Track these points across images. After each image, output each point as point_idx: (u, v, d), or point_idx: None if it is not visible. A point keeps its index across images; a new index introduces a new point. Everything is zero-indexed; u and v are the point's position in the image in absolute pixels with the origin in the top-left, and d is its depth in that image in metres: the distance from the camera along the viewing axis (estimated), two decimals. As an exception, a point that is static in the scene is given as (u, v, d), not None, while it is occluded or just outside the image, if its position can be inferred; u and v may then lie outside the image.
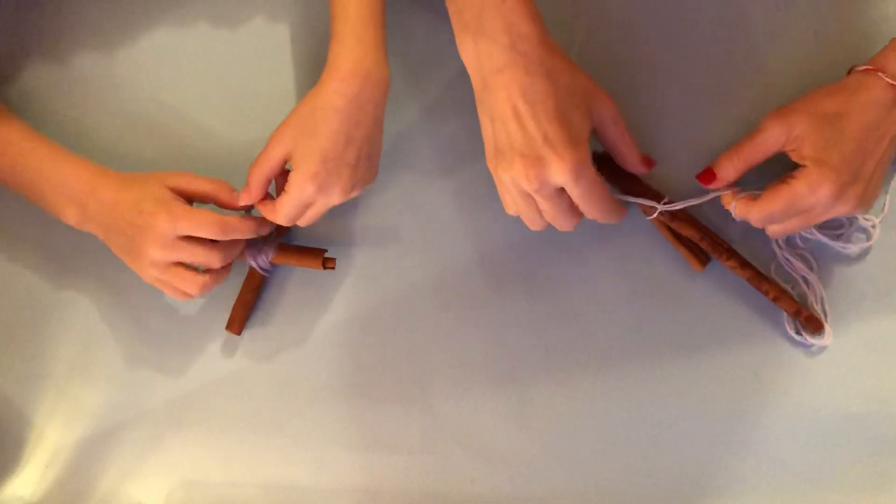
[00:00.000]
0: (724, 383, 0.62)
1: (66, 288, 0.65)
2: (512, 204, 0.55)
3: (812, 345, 0.61)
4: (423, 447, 0.63)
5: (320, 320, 0.65)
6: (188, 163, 0.65)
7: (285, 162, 0.58)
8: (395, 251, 0.65)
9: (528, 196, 0.53)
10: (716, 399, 0.62)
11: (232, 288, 0.64)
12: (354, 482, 0.63)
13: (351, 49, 0.55)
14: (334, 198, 0.57)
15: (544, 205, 0.53)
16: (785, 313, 0.61)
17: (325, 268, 0.63)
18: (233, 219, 0.58)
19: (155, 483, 0.65)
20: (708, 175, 0.58)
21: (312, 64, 0.65)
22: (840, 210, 0.54)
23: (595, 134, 0.55)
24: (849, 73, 0.57)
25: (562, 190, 0.53)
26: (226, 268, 0.61)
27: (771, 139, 0.55)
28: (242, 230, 0.59)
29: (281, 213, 0.58)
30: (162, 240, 0.57)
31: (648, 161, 0.58)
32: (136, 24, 0.66)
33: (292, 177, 0.57)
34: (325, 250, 0.63)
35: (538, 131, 0.50)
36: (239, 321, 0.64)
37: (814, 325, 0.60)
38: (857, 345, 0.61)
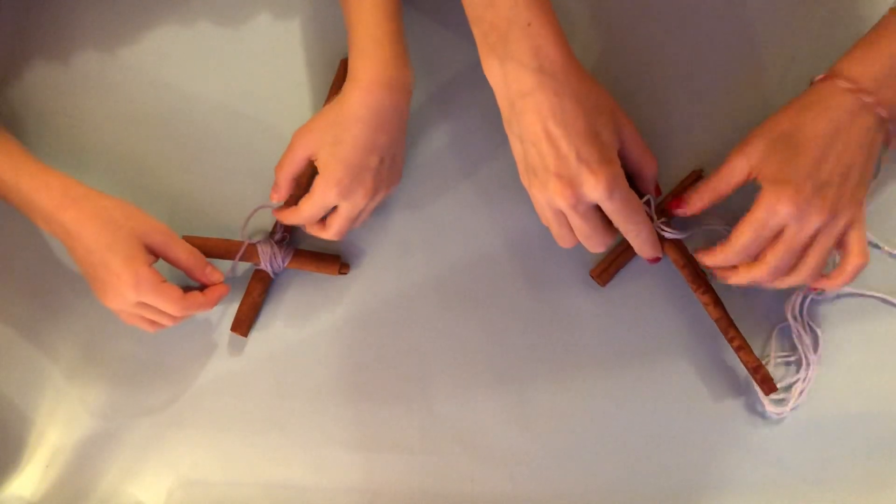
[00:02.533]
0: (723, 383, 0.62)
1: (66, 288, 0.65)
2: (545, 221, 0.57)
3: (767, 413, 0.61)
4: (423, 447, 0.63)
5: (320, 320, 0.65)
6: (188, 162, 0.65)
7: (309, 162, 0.59)
8: (395, 251, 0.65)
9: (560, 214, 0.54)
10: (716, 399, 0.62)
11: (233, 289, 0.64)
12: (354, 482, 0.63)
13: (371, 58, 0.56)
14: (358, 201, 0.58)
15: (578, 222, 0.54)
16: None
17: (339, 273, 0.64)
18: (195, 296, 0.60)
19: (155, 483, 0.65)
20: (678, 203, 0.58)
21: (315, 62, 0.65)
22: (815, 221, 0.52)
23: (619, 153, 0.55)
24: (810, 84, 0.56)
25: (596, 208, 0.54)
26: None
27: (735, 171, 0.55)
28: (202, 306, 0.60)
29: (304, 213, 0.59)
30: (122, 299, 0.58)
31: (659, 189, 0.60)
32: (137, 23, 0.66)
33: (317, 181, 0.58)
34: (339, 257, 0.64)
35: (571, 151, 0.51)
36: (246, 323, 0.64)
37: (767, 387, 0.59)
38: (857, 345, 0.61)
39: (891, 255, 0.62)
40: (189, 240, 0.61)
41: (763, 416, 0.61)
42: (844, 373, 0.61)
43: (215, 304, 0.61)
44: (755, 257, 0.54)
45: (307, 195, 0.58)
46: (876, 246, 0.62)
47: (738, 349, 0.60)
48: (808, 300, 0.61)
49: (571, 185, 0.52)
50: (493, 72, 0.53)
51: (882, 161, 0.62)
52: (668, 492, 0.62)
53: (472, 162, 0.64)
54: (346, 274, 0.64)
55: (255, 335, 0.65)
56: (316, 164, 0.58)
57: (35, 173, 0.58)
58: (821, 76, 0.54)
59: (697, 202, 0.57)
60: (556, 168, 0.52)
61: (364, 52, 0.56)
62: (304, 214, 0.59)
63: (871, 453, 0.60)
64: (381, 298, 0.64)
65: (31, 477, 0.65)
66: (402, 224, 0.65)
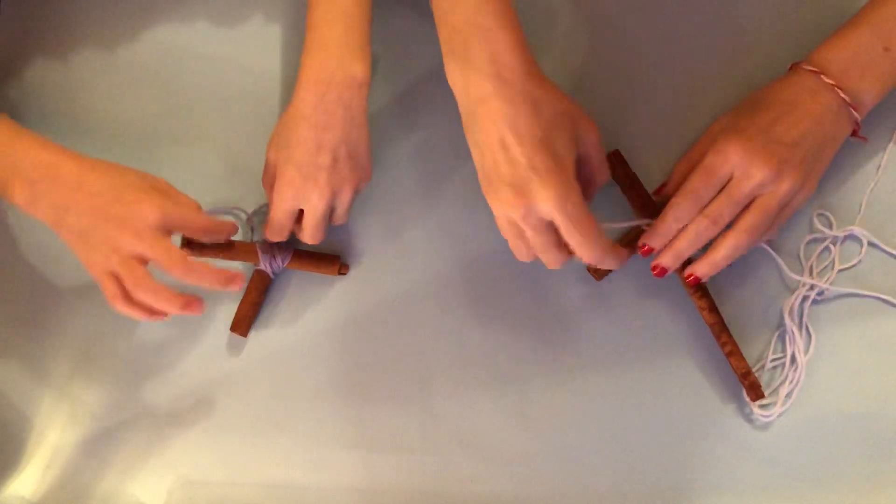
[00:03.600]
0: (724, 383, 0.62)
1: (66, 288, 0.65)
2: (503, 233, 0.55)
3: (754, 415, 0.61)
4: (423, 447, 0.63)
5: (320, 320, 0.65)
6: (189, 162, 0.65)
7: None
8: (395, 251, 0.65)
9: (515, 225, 0.53)
10: (715, 399, 0.62)
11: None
12: (354, 482, 0.63)
13: (312, 55, 0.57)
14: (315, 201, 0.58)
15: (531, 235, 0.53)
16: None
17: (339, 273, 0.64)
18: (222, 222, 0.58)
19: (155, 482, 0.65)
20: (659, 191, 0.61)
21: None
22: (759, 174, 0.53)
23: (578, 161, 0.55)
24: (790, 69, 0.60)
25: (550, 224, 0.52)
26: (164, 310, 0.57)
27: (706, 141, 0.59)
28: (223, 233, 0.59)
29: (271, 223, 0.60)
30: (138, 229, 0.54)
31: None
32: (137, 22, 0.66)
33: (274, 187, 0.59)
34: (339, 257, 0.64)
35: (523, 159, 0.50)
36: (246, 323, 0.64)
37: (755, 394, 0.60)
38: (857, 345, 0.61)
39: (890, 255, 0.62)
40: (189, 239, 0.61)
41: (758, 419, 0.61)
42: (843, 373, 0.61)
43: (221, 283, 0.56)
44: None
45: (271, 205, 0.59)
46: (875, 245, 0.62)
47: (728, 354, 0.60)
48: (808, 301, 0.61)
49: (523, 193, 0.50)
50: (454, 78, 0.52)
51: (883, 163, 0.62)
52: (667, 492, 0.62)
53: (471, 162, 0.64)
54: (345, 274, 0.64)
55: (255, 335, 0.65)
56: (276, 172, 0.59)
57: (22, 135, 0.56)
58: (795, 63, 0.58)
59: (676, 178, 0.59)
60: (508, 176, 0.51)
61: (309, 50, 0.57)
62: (272, 223, 0.60)
63: (870, 453, 0.60)
64: (381, 298, 0.64)
65: (31, 477, 0.65)
66: (402, 224, 0.65)
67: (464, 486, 0.63)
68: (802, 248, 0.62)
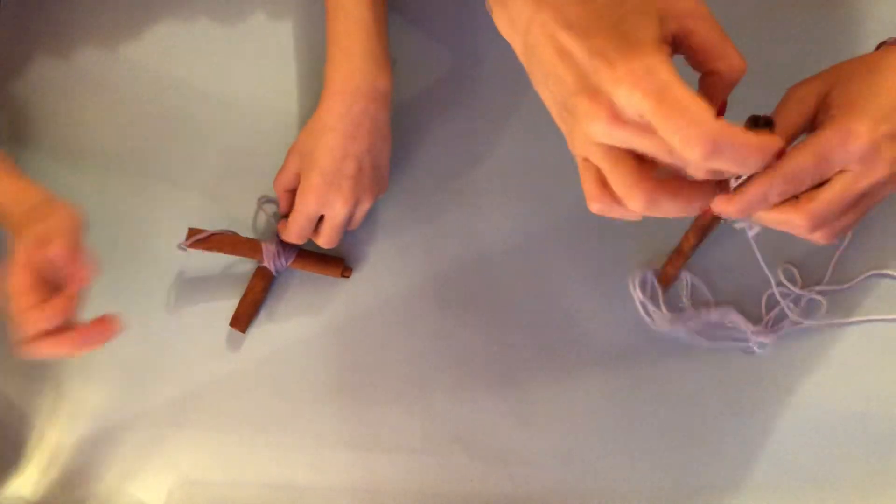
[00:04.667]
0: (724, 383, 0.62)
1: (66, 288, 0.65)
2: (599, 181, 0.41)
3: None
4: (423, 447, 0.63)
5: (321, 320, 0.65)
6: (189, 161, 0.65)
7: (298, 176, 0.60)
8: (395, 251, 0.65)
9: (612, 153, 0.39)
10: (716, 399, 0.62)
11: (231, 287, 0.64)
12: (354, 482, 0.63)
13: (336, 67, 0.57)
14: (338, 209, 0.58)
15: (642, 147, 0.38)
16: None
17: (342, 276, 0.64)
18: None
19: (155, 482, 0.65)
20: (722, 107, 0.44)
21: (314, 61, 0.65)
22: (880, 172, 0.43)
23: (678, 46, 0.41)
24: (877, 48, 0.51)
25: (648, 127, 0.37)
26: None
27: (801, 106, 0.47)
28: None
29: (291, 229, 0.60)
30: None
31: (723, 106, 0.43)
32: (138, 21, 0.66)
33: (297, 193, 0.59)
34: (343, 259, 0.64)
35: (583, 53, 0.38)
36: (246, 319, 0.64)
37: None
38: (857, 344, 0.61)
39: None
40: (192, 234, 0.61)
41: (763, 415, 0.61)
42: (844, 373, 0.61)
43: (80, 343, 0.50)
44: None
45: (293, 209, 0.60)
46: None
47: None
48: (806, 299, 0.61)
49: (596, 92, 0.37)
50: (502, 21, 0.43)
51: None
52: (668, 491, 0.62)
53: (470, 163, 0.64)
54: (348, 277, 0.64)
55: (256, 335, 0.65)
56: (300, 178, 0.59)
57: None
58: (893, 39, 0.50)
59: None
60: (574, 84, 0.38)
61: (333, 62, 0.58)
62: (292, 228, 0.60)
63: (872, 453, 0.60)
64: (382, 298, 0.64)
65: (31, 477, 0.65)
66: (402, 224, 0.65)
67: (464, 486, 0.63)
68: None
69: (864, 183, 0.43)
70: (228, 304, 0.65)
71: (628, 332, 0.63)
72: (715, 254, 0.62)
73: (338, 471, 0.64)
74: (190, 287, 0.65)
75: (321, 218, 0.61)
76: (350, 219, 0.61)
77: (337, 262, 0.64)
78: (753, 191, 0.42)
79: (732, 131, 0.35)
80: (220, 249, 0.62)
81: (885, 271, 0.62)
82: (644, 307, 0.62)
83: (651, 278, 0.62)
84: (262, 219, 0.65)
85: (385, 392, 0.64)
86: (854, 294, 0.62)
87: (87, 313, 0.65)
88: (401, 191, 0.64)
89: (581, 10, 0.38)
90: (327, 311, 0.65)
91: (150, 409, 0.65)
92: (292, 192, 0.61)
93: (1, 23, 0.66)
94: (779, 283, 0.61)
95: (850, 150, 0.43)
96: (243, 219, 0.65)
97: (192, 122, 0.66)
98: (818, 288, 0.61)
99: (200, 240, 0.61)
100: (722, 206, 0.42)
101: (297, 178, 0.60)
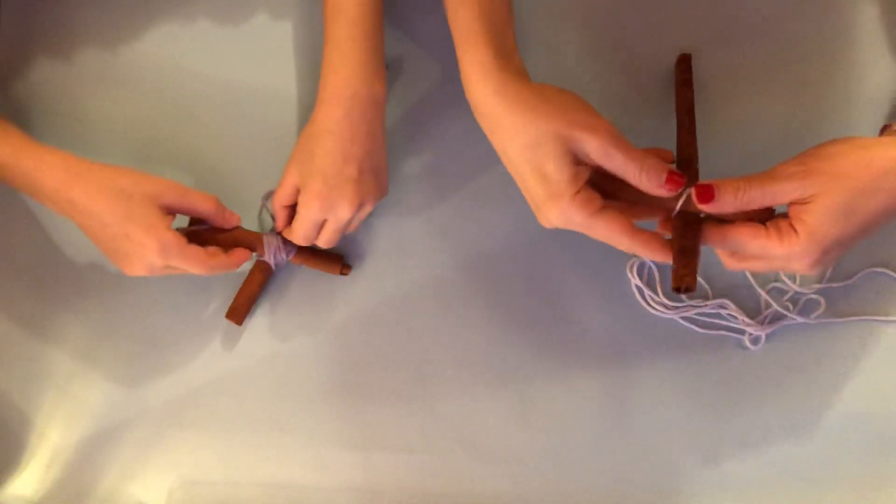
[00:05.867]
0: (722, 382, 0.62)
1: (67, 287, 0.65)
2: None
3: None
4: (423, 447, 0.63)
5: (321, 320, 0.65)
6: (190, 160, 0.65)
7: (297, 190, 0.60)
8: (395, 251, 0.65)
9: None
10: (715, 398, 0.62)
11: (232, 287, 0.64)
12: (354, 482, 0.64)
13: (336, 71, 0.57)
14: (343, 213, 0.58)
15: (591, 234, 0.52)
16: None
17: (340, 273, 0.64)
18: (220, 257, 0.59)
19: (156, 482, 0.65)
20: (707, 193, 0.50)
21: (315, 61, 0.65)
22: (801, 271, 0.50)
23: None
24: (882, 131, 0.53)
25: (600, 210, 0.50)
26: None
27: (786, 191, 0.49)
28: (226, 267, 0.60)
29: (297, 233, 0.60)
30: (148, 267, 0.57)
31: (674, 179, 0.50)
32: (140, 21, 0.66)
33: (300, 199, 0.59)
34: (342, 256, 0.64)
35: (526, 187, 0.51)
36: (242, 311, 0.64)
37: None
38: (857, 344, 0.61)
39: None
40: (193, 230, 0.61)
41: (762, 415, 0.61)
42: (845, 373, 0.61)
43: (239, 266, 0.61)
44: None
45: (297, 214, 0.60)
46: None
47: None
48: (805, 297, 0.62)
49: (545, 213, 0.51)
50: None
51: None
52: (668, 491, 0.62)
53: (470, 164, 0.64)
54: (346, 275, 0.64)
55: (256, 335, 0.65)
56: (300, 186, 0.59)
57: (36, 153, 0.57)
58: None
59: (730, 201, 0.50)
60: (530, 197, 0.52)
61: (331, 67, 0.57)
62: (297, 234, 0.60)
63: (872, 453, 0.60)
64: (382, 298, 0.64)
65: (31, 477, 0.65)
66: (403, 225, 0.65)
67: (464, 486, 0.63)
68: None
69: (778, 262, 0.50)
70: (229, 304, 0.65)
71: (628, 333, 0.63)
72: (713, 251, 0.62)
73: (338, 470, 0.64)
74: (190, 286, 0.65)
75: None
76: (349, 223, 0.61)
77: (336, 258, 0.64)
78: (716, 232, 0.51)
79: (643, 237, 0.50)
80: (221, 244, 0.62)
81: (882, 269, 0.62)
82: (640, 292, 0.62)
83: (649, 264, 0.62)
84: (267, 219, 0.65)
85: (385, 392, 0.64)
86: (852, 292, 0.62)
87: (87, 313, 0.65)
88: (401, 190, 0.64)
89: (508, 148, 0.50)
90: (328, 311, 0.65)
91: (150, 409, 0.65)
92: (290, 209, 0.61)
93: (1, 23, 0.66)
94: (777, 280, 0.61)
95: (791, 266, 0.50)
96: (245, 220, 0.65)
97: (193, 122, 0.66)
98: (816, 286, 0.61)
99: (199, 235, 0.61)
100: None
101: (296, 194, 0.60)
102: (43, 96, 0.66)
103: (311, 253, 0.64)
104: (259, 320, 0.65)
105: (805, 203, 0.48)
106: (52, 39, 0.66)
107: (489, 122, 0.51)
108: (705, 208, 0.50)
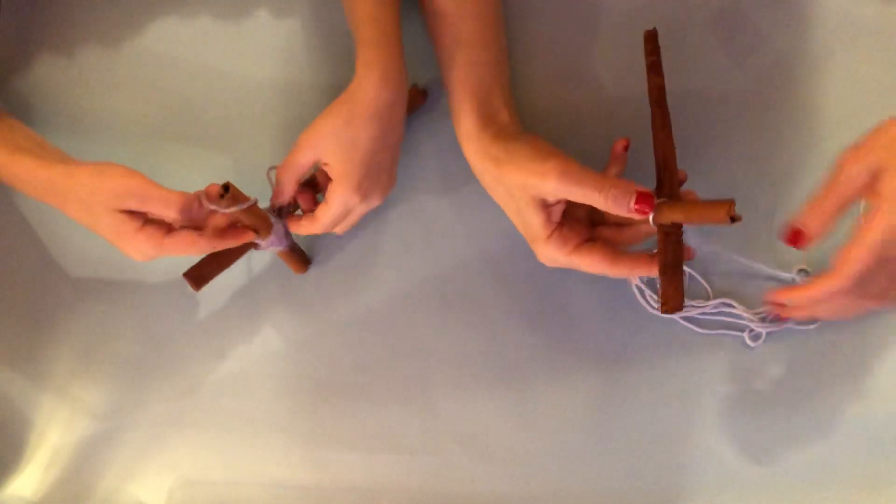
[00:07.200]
0: (724, 383, 0.62)
1: (66, 288, 0.65)
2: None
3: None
4: (424, 447, 0.63)
5: (320, 320, 0.65)
6: (191, 159, 0.65)
7: (314, 166, 0.57)
8: (395, 251, 0.65)
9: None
10: (716, 399, 0.62)
11: (233, 286, 0.64)
12: (354, 482, 0.64)
13: (384, 47, 0.54)
14: (374, 202, 0.58)
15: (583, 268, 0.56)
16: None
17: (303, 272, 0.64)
18: (209, 240, 0.56)
19: (156, 482, 0.65)
20: (796, 235, 0.48)
21: (316, 58, 0.65)
22: None
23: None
24: None
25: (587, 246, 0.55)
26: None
27: (854, 180, 0.46)
28: (223, 244, 0.57)
29: (322, 222, 0.57)
30: (145, 259, 0.56)
31: (643, 199, 0.50)
32: (141, 19, 0.66)
33: (334, 188, 0.55)
34: (310, 260, 0.64)
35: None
36: (204, 278, 0.58)
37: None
38: (856, 344, 0.61)
39: None
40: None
41: (762, 415, 0.61)
42: (846, 373, 0.61)
43: (238, 244, 0.57)
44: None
45: (324, 202, 0.57)
46: None
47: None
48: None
49: (536, 249, 0.56)
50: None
51: None
52: (668, 491, 0.62)
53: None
54: (303, 273, 0.64)
55: (256, 335, 0.65)
56: (326, 168, 0.56)
57: (8, 162, 0.55)
58: None
59: (818, 223, 0.47)
60: (525, 236, 0.57)
61: (375, 41, 0.54)
62: (324, 222, 0.57)
63: (872, 453, 0.60)
64: (382, 298, 0.64)
65: (31, 477, 0.65)
66: (403, 224, 0.65)
67: (464, 486, 0.63)
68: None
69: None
70: (229, 303, 0.65)
71: (629, 333, 0.63)
72: (723, 255, 0.62)
73: (338, 471, 0.64)
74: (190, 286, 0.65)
75: None
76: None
77: (306, 260, 0.64)
78: (824, 292, 0.48)
79: (625, 262, 0.54)
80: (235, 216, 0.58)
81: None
82: (641, 292, 0.62)
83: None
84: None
85: (385, 392, 0.64)
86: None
87: (87, 314, 0.65)
88: (402, 190, 0.64)
89: (497, 201, 0.57)
90: (327, 311, 0.65)
91: (151, 409, 0.65)
92: (298, 184, 0.58)
93: (2, 21, 0.66)
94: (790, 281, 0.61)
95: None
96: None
97: (195, 121, 0.66)
98: None
99: (226, 197, 0.55)
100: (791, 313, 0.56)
101: (309, 169, 0.57)
102: (44, 93, 0.66)
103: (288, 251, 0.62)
104: (259, 322, 0.65)
105: (876, 182, 0.45)
106: (53, 36, 0.66)
107: (479, 178, 0.57)
108: (801, 246, 0.48)
